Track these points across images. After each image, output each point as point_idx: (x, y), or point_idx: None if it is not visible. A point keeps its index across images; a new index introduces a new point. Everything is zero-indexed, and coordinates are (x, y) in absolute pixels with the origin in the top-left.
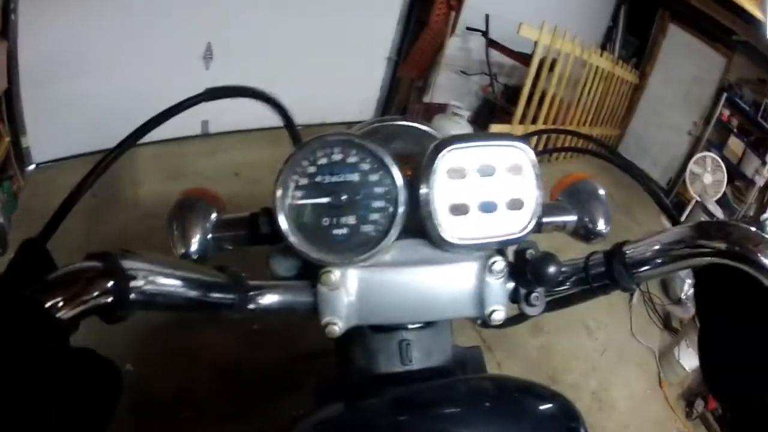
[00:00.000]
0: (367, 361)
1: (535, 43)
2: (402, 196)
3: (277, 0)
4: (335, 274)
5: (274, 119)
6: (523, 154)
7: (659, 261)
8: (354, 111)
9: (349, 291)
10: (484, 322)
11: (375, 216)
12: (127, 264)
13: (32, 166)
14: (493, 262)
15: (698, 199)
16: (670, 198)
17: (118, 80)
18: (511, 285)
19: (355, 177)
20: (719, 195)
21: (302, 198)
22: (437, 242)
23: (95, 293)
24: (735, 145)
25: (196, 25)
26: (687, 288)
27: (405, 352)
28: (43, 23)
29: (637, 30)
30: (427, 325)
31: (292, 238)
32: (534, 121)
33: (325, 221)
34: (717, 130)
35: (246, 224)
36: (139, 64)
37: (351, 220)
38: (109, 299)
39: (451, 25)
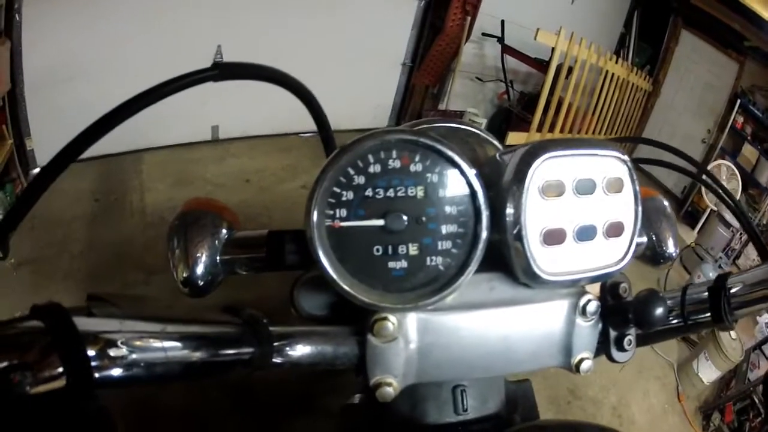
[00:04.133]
0: (412, 409)
1: (552, 49)
2: (486, 218)
3: (291, 4)
4: (392, 322)
5: (284, 125)
6: (624, 167)
7: (762, 297)
8: (368, 118)
9: (409, 342)
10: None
11: (446, 244)
12: (86, 324)
13: (37, 169)
14: (587, 302)
15: (714, 208)
16: (685, 208)
17: (124, 82)
18: (599, 327)
19: (419, 191)
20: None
21: (347, 219)
22: (524, 277)
23: (41, 374)
24: (749, 152)
25: (206, 28)
26: None
27: (460, 401)
28: (49, 25)
29: (650, 36)
30: None
31: (335, 276)
32: (551, 129)
33: (378, 250)
34: (731, 137)
35: (265, 244)
36: (147, 66)
37: (413, 249)
38: (59, 383)
39: (466, 30)
